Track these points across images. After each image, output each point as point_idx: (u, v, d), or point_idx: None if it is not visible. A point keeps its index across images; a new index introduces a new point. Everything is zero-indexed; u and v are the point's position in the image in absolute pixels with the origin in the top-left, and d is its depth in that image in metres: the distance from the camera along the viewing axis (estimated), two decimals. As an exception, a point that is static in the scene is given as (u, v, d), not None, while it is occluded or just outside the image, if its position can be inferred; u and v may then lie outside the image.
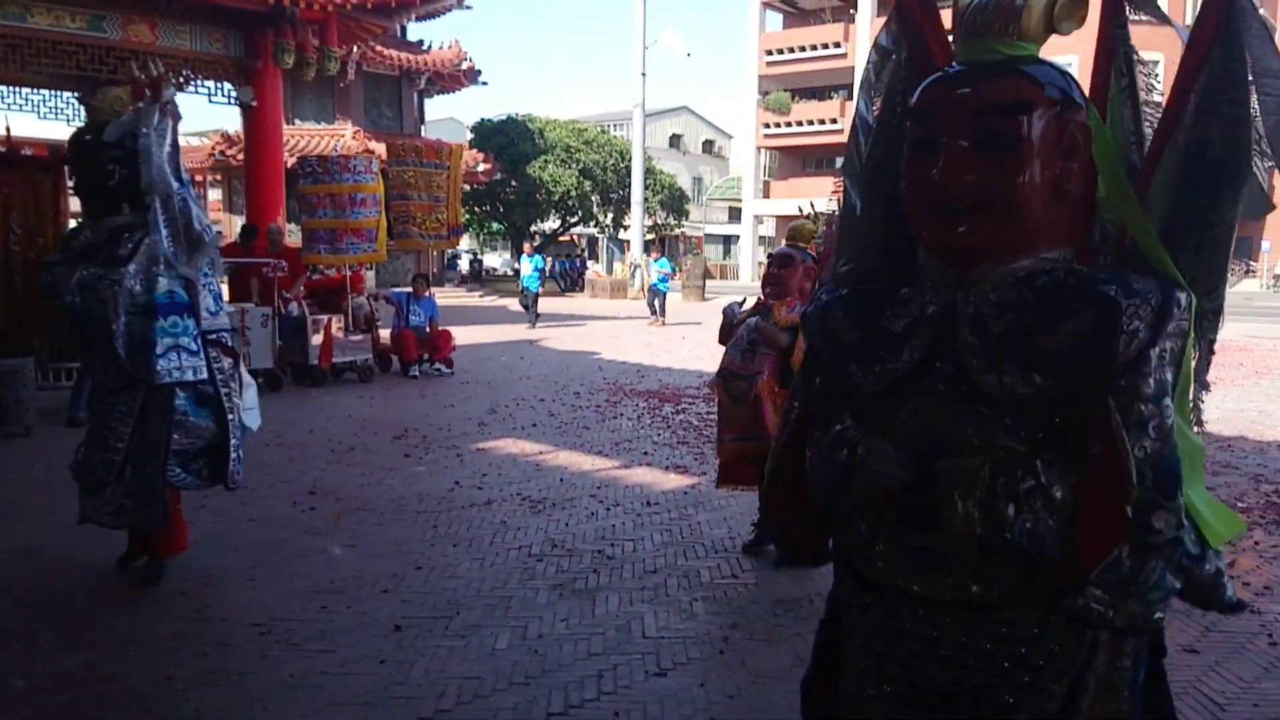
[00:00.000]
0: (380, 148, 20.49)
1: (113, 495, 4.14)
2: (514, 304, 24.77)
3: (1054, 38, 1.46)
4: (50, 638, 3.70)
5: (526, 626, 3.85)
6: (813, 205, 5.12)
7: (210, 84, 14.83)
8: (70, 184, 4.37)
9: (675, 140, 55.98)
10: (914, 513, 1.43)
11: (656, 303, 20.33)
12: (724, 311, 4.85)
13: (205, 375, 4.19)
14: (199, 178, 28.85)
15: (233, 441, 4.28)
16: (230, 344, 4.40)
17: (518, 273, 24.01)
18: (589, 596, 4.21)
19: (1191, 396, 1.52)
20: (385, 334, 11.55)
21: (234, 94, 14.84)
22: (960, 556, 1.41)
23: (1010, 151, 1.35)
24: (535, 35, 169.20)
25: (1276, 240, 41.62)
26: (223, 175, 25.82)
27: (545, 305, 25.06)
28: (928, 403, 1.45)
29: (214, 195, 28.99)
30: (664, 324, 19.33)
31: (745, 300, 4.91)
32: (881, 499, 1.47)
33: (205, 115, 33.35)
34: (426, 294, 11.53)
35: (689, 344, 15.33)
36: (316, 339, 10.09)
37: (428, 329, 11.23)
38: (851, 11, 40.05)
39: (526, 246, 20.76)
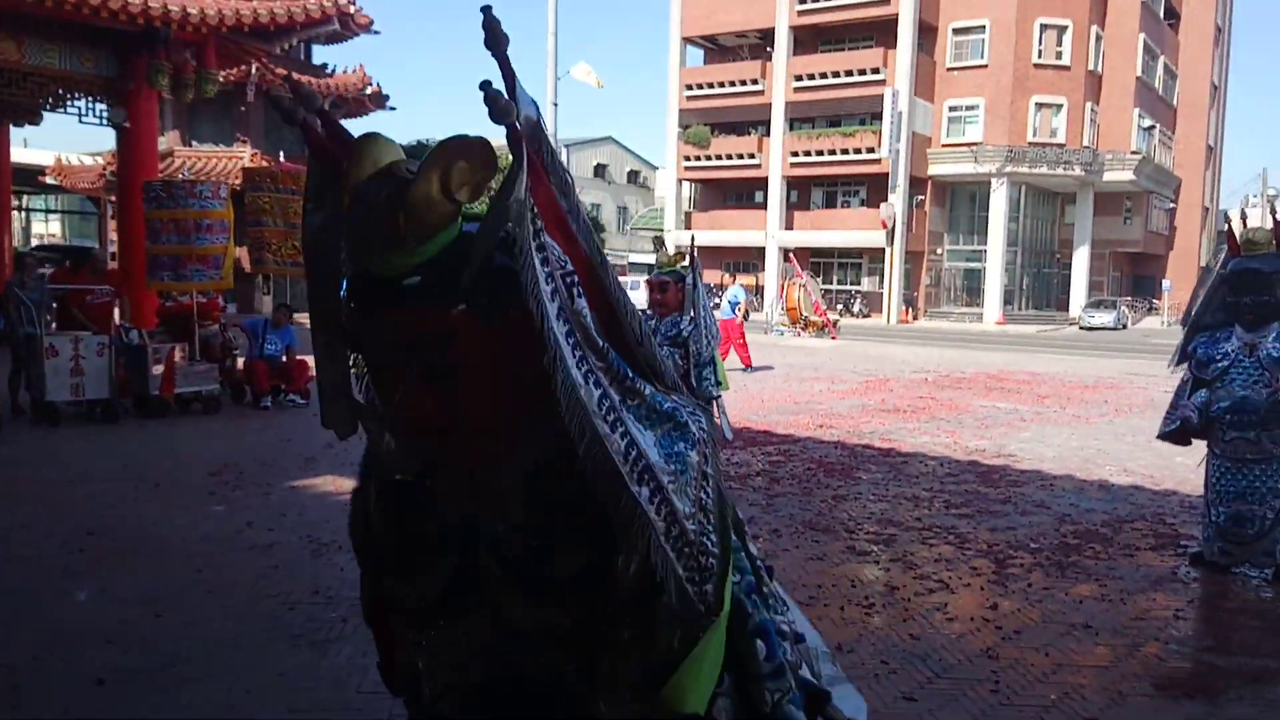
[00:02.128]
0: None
1: None
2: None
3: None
4: None
5: (237, 679, 3.70)
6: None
7: (81, 103, 14.48)
8: None
9: (600, 170, 56.23)
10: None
11: None
12: None
13: None
14: (97, 197, 28.22)
15: None
16: None
17: None
18: (323, 648, 4.06)
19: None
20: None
21: (106, 114, 14.50)
22: None
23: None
24: (457, 64, 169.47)
25: (1177, 279, 43.25)
26: (117, 195, 25.16)
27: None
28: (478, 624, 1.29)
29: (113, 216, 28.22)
30: None
31: None
32: None
33: (102, 135, 32.52)
34: (287, 323, 11.24)
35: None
36: (158, 368, 9.77)
37: (284, 359, 10.96)
38: (768, 50, 40.85)
39: None
